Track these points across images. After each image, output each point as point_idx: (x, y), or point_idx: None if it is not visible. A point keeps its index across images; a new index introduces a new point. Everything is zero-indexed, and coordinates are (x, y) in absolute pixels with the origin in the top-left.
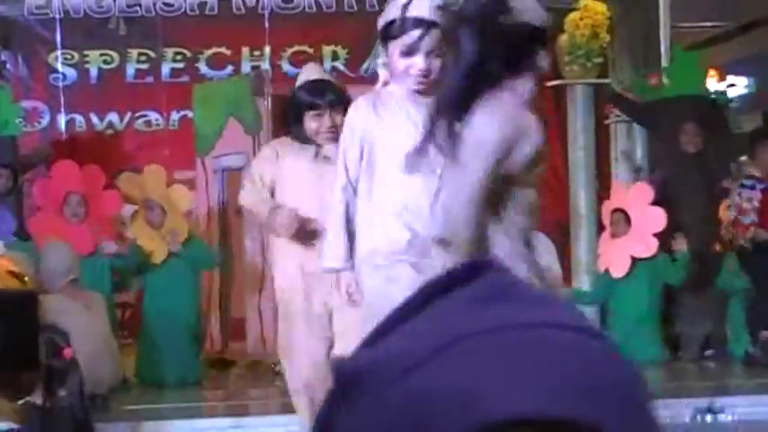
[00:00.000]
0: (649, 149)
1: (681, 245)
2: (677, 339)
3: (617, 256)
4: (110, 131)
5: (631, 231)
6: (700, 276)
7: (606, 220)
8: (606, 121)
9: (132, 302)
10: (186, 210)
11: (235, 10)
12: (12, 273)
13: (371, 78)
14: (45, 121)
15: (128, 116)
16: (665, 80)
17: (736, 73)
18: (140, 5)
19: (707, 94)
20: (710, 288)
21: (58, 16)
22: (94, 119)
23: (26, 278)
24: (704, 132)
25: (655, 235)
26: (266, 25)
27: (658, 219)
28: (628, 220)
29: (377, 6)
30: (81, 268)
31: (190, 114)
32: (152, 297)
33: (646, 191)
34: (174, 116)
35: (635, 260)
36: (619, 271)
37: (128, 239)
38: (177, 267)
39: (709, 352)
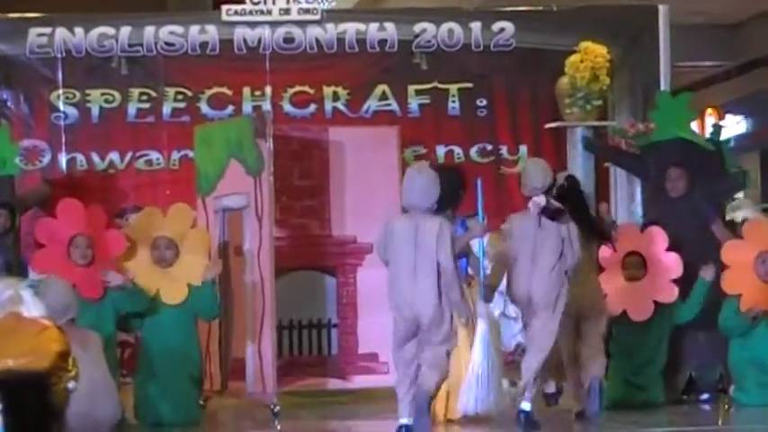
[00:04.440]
0: (644, 194)
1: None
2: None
3: (637, 300)
4: (111, 171)
5: (649, 276)
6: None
7: (611, 262)
8: (606, 164)
9: (132, 341)
10: (204, 254)
11: (236, 50)
12: (59, 328)
13: (372, 119)
14: (46, 159)
15: (129, 155)
16: (651, 125)
17: (735, 112)
18: (142, 45)
19: (693, 137)
20: (703, 330)
21: (59, 55)
22: (95, 158)
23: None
24: (689, 176)
25: (672, 281)
26: (267, 66)
27: (675, 264)
28: (643, 263)
29: (377, 48)
30: (85, 309)
31: (191, 154)
32: (150, 337)
33: (660, 235)
34: (175, 156)
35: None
36: (641, 315)
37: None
38: (177, 309)
39: (704, 396)
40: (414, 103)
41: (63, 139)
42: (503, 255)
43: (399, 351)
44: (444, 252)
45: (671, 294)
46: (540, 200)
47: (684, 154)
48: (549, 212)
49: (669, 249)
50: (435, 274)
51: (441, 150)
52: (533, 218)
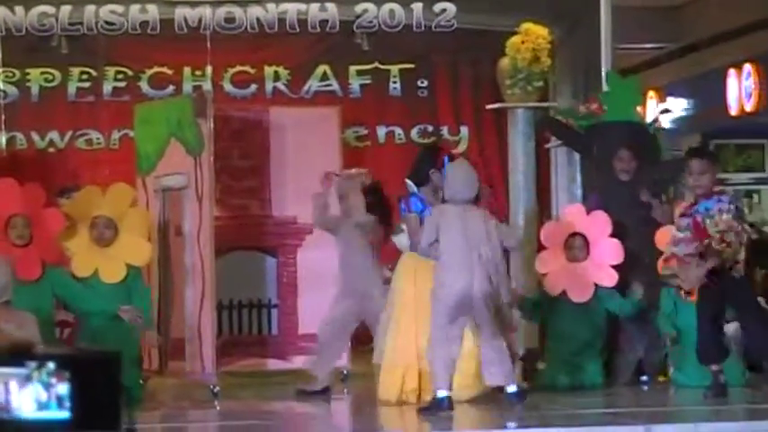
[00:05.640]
0: (585, 175)
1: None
2: (611, 364)
3: (578, 281)
4: (51, 150)
5: (591, 259)
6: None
7: (553, 241)
8: (547, 146)
9: (72, 321)
10: (143, 234)
11: (177, 29)
12: None
13: (312, 99)
14: None
15: (69, 134)
16: (594, 105)
17: (677, 94)
18: (82, 24)
19: (641, 121)
20: (645, 315)
21: None
22: (35, 137)
23: None
24: (637, 159)
25: (612, 267)
26: (208, 45)
27: (616, 251)
28: (586, 245)
29: (318, 28)
30: (23, 290)
31: (131, 133)
32: (89, 317)
33: (605, 220)
34: (115, 135)
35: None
36: (581, 296)
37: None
38: (115, 288)
39: (644, 378)
40: (355, 84)
41: (2, 118)
42: None
43: (442, 330)
44: (491, 241)
45: (612, 278)
46: None
47: (635, 137)
48: None
49: (612, 235)
50: (484, 257)
51: (382, 131)
52: None
